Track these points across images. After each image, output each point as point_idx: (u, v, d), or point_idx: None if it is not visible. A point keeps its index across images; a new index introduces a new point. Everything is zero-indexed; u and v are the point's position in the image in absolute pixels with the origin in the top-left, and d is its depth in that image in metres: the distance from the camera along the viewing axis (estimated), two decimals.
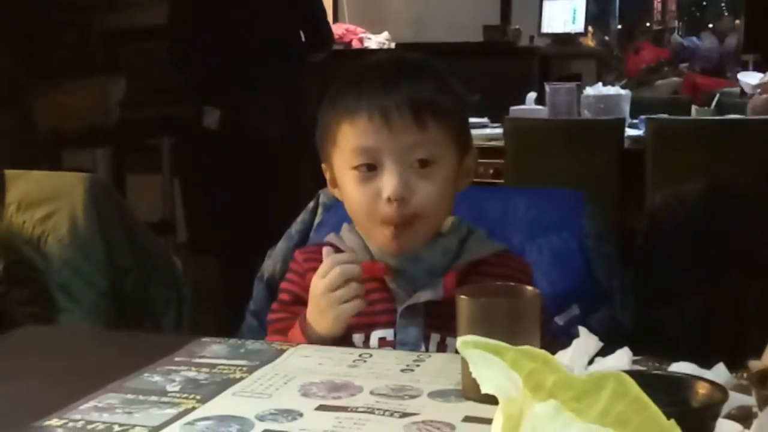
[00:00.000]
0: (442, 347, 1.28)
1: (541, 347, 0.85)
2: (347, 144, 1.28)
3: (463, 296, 1.02)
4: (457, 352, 1.22)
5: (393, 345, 1.29)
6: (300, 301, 1.34)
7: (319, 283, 1.24)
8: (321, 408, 0.99)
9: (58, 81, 3.85)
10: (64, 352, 1.29)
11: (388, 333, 1.29)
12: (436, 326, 1.28)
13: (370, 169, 1.27)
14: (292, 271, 1.40)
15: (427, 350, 1.27)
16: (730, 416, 0.89)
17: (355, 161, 1.28)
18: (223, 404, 1.01)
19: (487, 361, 0.71)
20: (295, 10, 4.01)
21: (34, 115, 3.62)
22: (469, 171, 1.36)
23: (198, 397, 1.02)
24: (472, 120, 4.83)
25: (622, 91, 4.41)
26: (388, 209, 1.26)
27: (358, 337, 1.30)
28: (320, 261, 1.33)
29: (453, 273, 1.29)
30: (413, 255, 1.31)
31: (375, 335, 1.30)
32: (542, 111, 4.35)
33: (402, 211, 1.26)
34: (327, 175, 1.37)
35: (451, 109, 1.31)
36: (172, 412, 0.99)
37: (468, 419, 0.96)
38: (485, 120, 4.51)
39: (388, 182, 1.25)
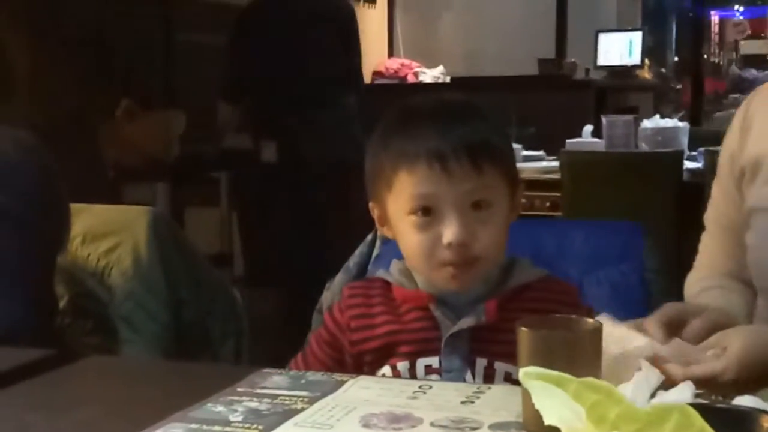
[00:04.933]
0: (489, 371, 1.29)
1: None
2: (404, 191, 1.29)
3: (523, 328, 1.02)
4: (508, 378, 1.24)
5: (439, 372, 1.30)
6: (332, 344, 1.38)
7: None
8: None
9: (122, 116, 3.93)
10: (129, 381, 1.31)
11: (433, 360, 1.31)
12: (482, 351, 1.30)
13: (427, 213, 1.28)
14: (334, 308, 1.41)
15: (473, 376, 1.29)
16: None
17: (413, 207, 1.29)
18: None
19: (549, 392, 0.71)
20: (342, 53, 4.13)
21: (99, 150, 3.70)
22: (518, 205, 1.38)
23: (260, 428, 1.03)
24: (528, 153, 4.80)
25: (680, 124, 4.37)
26: (448, 254, 1.28)
27: (403, 365, 1.32)
28: (366, 296, 1.37)
29: (494, 299, 1.31)
30: None
31: (420, 363, 1.31)
32: (599, 144, 4.33)
33: (463, 255, 1.28)
34: (375, 213, 1.38)
35: (503, 149, 1.33)
36: None
37: None
38: (541, 153, 4.51)
39: (449, 230, 1.27)
